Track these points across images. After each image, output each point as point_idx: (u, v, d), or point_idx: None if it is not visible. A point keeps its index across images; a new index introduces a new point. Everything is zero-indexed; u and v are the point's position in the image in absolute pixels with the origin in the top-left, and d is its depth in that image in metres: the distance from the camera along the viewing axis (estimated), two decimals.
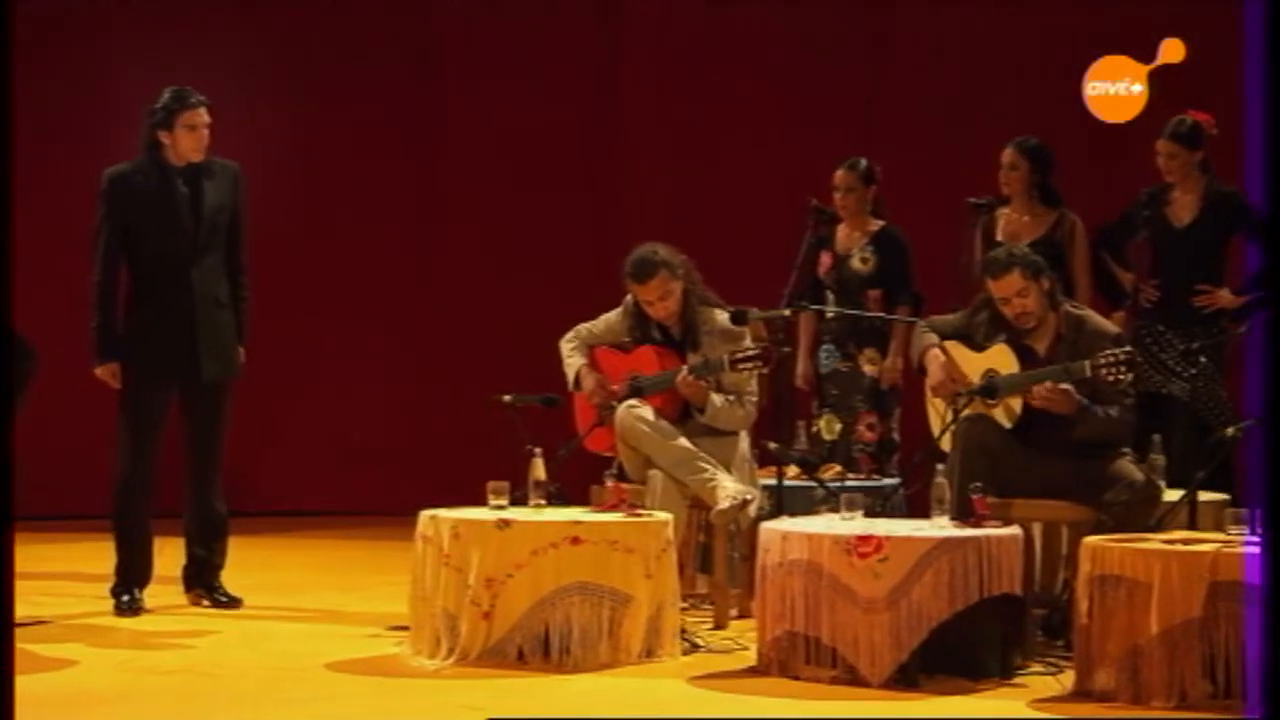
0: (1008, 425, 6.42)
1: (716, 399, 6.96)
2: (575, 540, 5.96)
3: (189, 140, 7.14)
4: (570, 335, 7.27)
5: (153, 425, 7.15)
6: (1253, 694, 5.18)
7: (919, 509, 6.42)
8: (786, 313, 7.24)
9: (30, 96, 10.45)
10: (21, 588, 6.94)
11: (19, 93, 10.64)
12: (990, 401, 6.43)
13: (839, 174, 8.26)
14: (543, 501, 6.30)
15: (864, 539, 5.71)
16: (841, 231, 8.27)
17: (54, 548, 9.03)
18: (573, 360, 7.20)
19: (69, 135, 10.34)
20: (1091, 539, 5.69)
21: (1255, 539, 5.40)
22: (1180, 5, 9.20)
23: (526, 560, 5.91)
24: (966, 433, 6.36)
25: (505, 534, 5.94)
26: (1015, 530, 5.95)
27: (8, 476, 5.25)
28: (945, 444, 6.43)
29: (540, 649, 5.91)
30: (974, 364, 6.56)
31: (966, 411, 6.40)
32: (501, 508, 6.15)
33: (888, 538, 5.72)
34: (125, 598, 7.10)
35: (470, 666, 5.88)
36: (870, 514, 6.12)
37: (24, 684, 5.63)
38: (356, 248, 10.92)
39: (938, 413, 6.60)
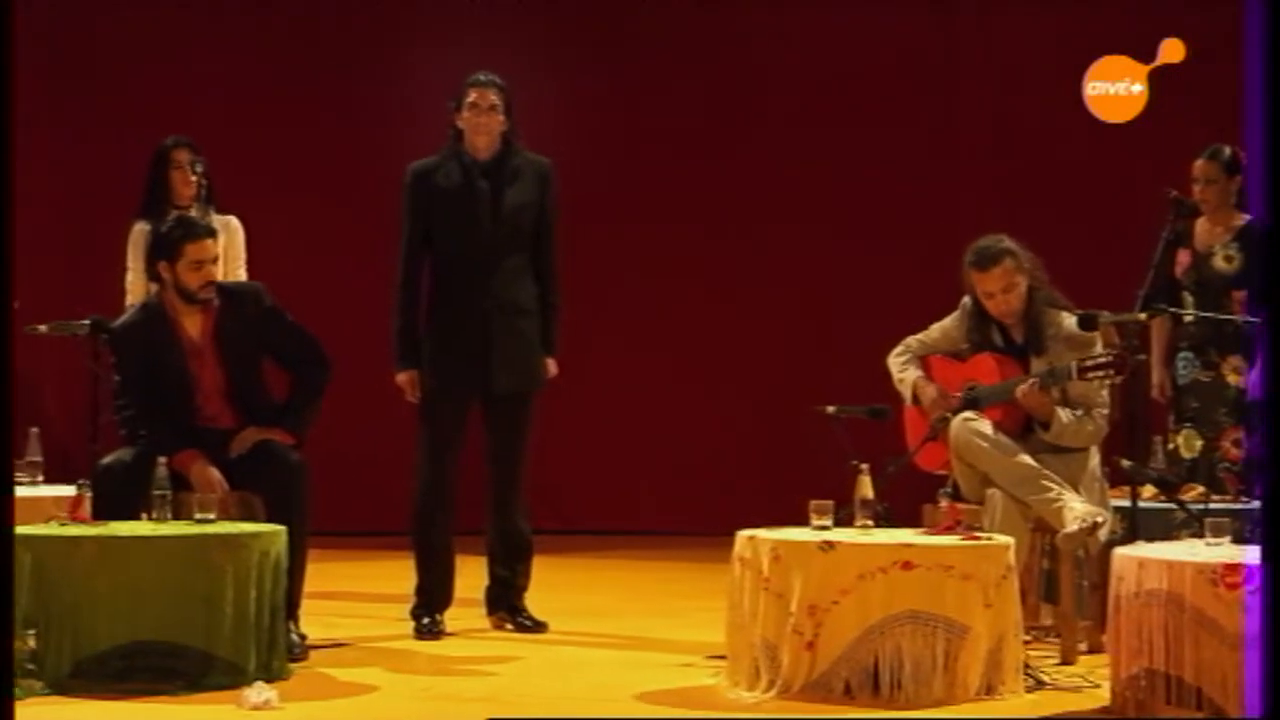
0: None
1: (1063, 413, 6.81)
2: (906, 565, 5.87)
3: (471, 121, 7.09)
4: (899, 349, 7.18)
5: (450, 438, 7.16)
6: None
7: None
8: (1141, 316, 7.04)
9: (333, 77, 10.84)
10: (318, 608, 7.19)
11: (320, 73, 11.00)
12: None
13: (1199, 164, 8.05)
14: (870, 522, 6.23)
15: (1232, 568, 5.51)
16: (1202, 227, 8.05)
17: (352, 566, 9.23)
18: (906, 374, 7.11)
19: (374, 121, 10.58)
20: None
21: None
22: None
23: (853, 586, 5.84)
24: None
25: (829, 557, 5.88)
26: None
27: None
28: None
29: (869, 683, 5.82)
30: None
31: None
32: (825, 528, 6.09)
33: (1260, 567, 5.53)
34: (425, 620, 7.15)
35: (792, 700, 5.82)
36: (1239, 540, 5.93)
37: (321, 710, 5.78)
38: (672, 251, 10.97)
39: None
